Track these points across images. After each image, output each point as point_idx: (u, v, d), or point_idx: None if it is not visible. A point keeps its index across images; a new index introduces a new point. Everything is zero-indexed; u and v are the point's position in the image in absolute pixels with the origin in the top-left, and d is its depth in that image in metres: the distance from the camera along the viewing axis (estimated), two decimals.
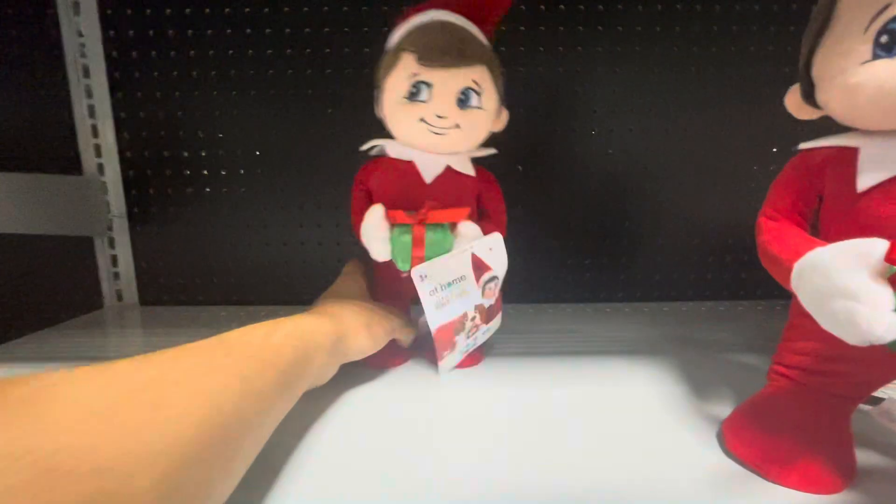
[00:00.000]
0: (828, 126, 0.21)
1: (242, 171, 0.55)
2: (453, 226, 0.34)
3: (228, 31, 0.53)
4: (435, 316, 0.32)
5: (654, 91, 0.54)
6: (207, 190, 0.56)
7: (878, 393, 0.24)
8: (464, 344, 0.35)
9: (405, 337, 0.37)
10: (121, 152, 0.55)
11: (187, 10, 0.52)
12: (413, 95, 0.32)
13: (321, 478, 0.23)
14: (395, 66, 0.32)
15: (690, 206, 0.56)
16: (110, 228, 0.57)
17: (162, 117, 0.55)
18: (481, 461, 0.24)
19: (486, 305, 0.35)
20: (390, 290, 0.38)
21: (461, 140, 0.34)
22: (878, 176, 0.19)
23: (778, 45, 0.52)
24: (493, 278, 0.35)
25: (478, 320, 0.35)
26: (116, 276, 0.58)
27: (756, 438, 0.23)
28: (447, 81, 0.32)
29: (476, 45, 0.32)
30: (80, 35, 0.53)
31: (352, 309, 0.32)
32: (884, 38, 0.17)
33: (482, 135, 0.35)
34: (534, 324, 0.49)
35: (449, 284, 0.32)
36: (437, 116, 0.32)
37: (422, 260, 0.33)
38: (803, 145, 0.22)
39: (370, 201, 0.36)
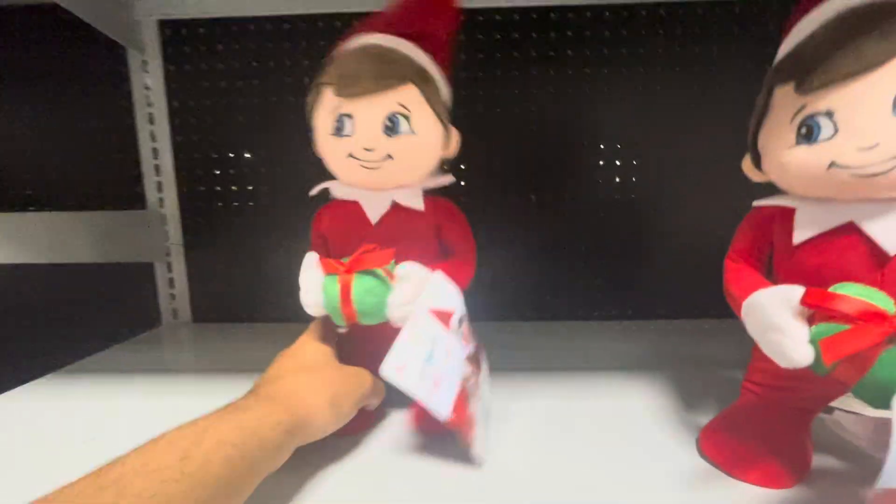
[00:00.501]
0: None
1: (286, 202, 0.62)
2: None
3: (273, 82, 0.60)
4: (440, 404, 0.26)
5: (658, 120, 0.58)
6: (254, 219, 0.63)
7: (834, 403, 0.28)
8: (479, 411, 0.30)
9: (375, 401, 0.31)
10: (179, 188, 0.63)
11: (236, 65, 0.60)
12: (338, 130, 0.30)
13: None
14: (319, 101, 0.31)
15: (692, 229, 0.60)
16: (168, 254, 0.64)
17: (214, 157, 0.62)
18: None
19: (469, 352, 0.30)
20: (359, 350, 0.32)
21: (398, 172, 0.31)
22: (809, 232, 0.24)
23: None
24: (462, 318, 0.31)
25: (470, 372, 0.30)
26: (173, 296, 0.65)
27: (725, 443, 0.28)
28: (368, 110, 0.29)
29: (400, 65, 0.30)
30: (147, 88, 0.61)
31: (312, 384, 0.27)
32: (803, 130, 0.22)
33: (425, 162, 0.32)
34: (542, 340, 0.54)
35: (428, 357, 0.26)
36: (364, 150, 0.29)
37: (352, 316, 0.29)
38: (756, 203, 0.27)
39: (325, 248, 0.34)
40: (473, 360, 0.31)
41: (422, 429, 0.31)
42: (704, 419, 0.33)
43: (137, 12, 0.58)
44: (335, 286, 0.29)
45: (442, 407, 0.26)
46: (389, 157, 0.30)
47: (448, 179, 0.34)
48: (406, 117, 0.30)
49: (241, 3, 0.58)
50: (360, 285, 0.29)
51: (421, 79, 0.30)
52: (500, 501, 0.25)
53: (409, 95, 0.30)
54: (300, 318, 0.65)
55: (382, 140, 0.30)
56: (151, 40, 0.59)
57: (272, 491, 0.25)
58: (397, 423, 0.34)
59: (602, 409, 0.36)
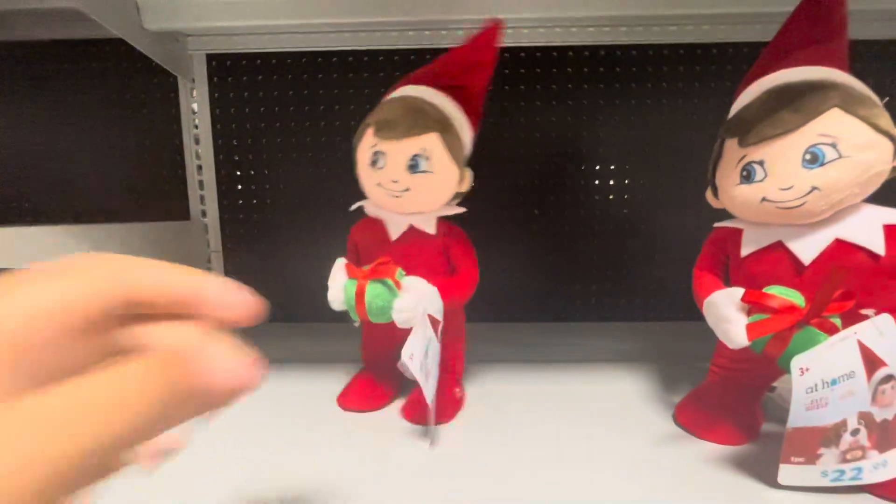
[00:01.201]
0: None
1: (315, 216, 0.70)
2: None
3: (306, 109, 0.68)
4: (429, 390, 0.32)
5: (650, 144, 0.67)
6: (286, 230, 0.71)
7: (775, 384, 0.36)
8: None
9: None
10: (220, 201, 0.70)
11: (274, 93, 0.68)
12: (373, 163, 0.37)
13: None
14: (362, 138, 0.38)
15: (686, 239, 0.68)
16: (209, 261, 0.71)
17: (253, 174, 0.70)
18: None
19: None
20: (377, 346, 0.42)
21: (415, 202, 0.37)
22: (752, 248, 0.31)
23: None
24: (441, 328, 0.35)
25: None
26: None
27: (694, 412, 0.36)
28: (397, 150, 0.35)
29: (426, 117, 0.36)
30: (194, 112, 0.68)
31: None
32: (744, 173, 0.30)
33: (438, 196, 0.38)
34: (543, 338, 0.62)
35: (425, 355, 0.32)
36: (391, 181, 0.36)
37: (363, 314, 0.35)
38: (716, 224, 0.35)
39: (356, 254, 0.41)
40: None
41: (411, 420, 0.38)
42: (679, 398, 0.41)
43: (189, 46, 0.66)
44: (353, 289, 0.35)
45: (429, 393, 0.33)
46: (408, 189, 0.36)
47: (459, 210, 0.40)
48: (427, 159, 0.36)
49: (280, 40, 0.65)
50: (372, 290, 0.35)
51: (443, 128, 0.36)
52: (517, 456, 0.33)
53: (430, 142, 0.36)
54: (328, 319, 0.72)
55: (405, 175, 0.36)
56: (200, 71, 0.67)
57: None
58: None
59: (595, 392, 0.43)
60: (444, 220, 0.40)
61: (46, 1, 0.47)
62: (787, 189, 0.28)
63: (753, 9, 0.55)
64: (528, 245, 0.69)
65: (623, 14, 0.57)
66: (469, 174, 0.40)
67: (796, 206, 0.28)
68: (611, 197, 0.68)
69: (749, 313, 0.29)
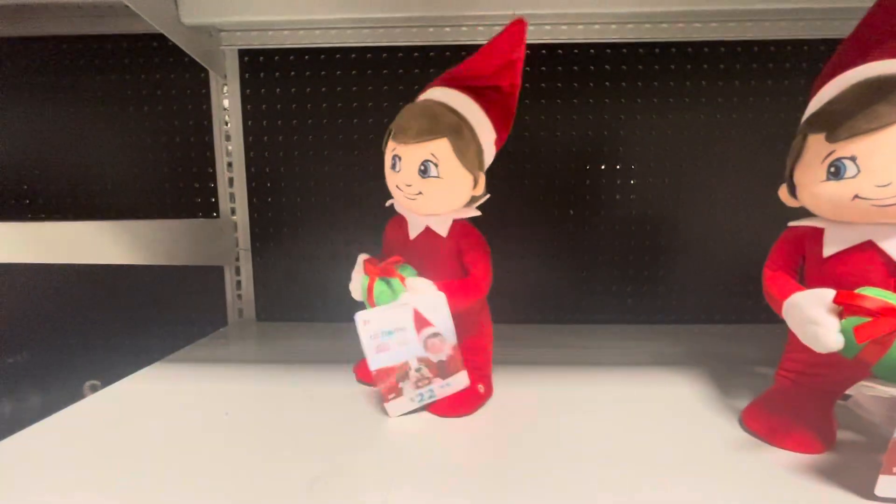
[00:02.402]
0: None
1: (344, 215, 0.69)
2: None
3: (338, 106, 0.67)
4: (374, 359, 0.36)
5: (682, 140, 0.65)
6: (315, 229, 0.69)
7: (848, 391, 0.34)
8: (413, 393, 0.38)
9: None
10: (249, 199, 0.69)
11: (306, 90, 0.67)
12: (393, 166, 0.38)
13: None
14: (386, 142, 0.39)
15: (719, 240, 0.67)
16: (237, 259, 0.71)
17: (283, 171, 0.69)
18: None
19: (435, 360, 0.37)
20: None
21: (427, 204, 0.38)
22: (836, 248, 0.30)
23: (790, 102, 0.64)
24: (436, 334, 0.37)
25: (425, 372, 0.37)
26: (239, 297, 0.71)
27: (765, 418, 0.34)
28: (410, 155, 0.37)
29: (437, 122, 0.36)
30: (225, 109, 0.67)
31: None
32: (832, 169, 0.29)
33: (448, 200, 0.38)
34: (582, 340, 0.60)
35: (389, 332, 0.36)
36: (406, 185, 0.37)
37: (373, 306, 0.38)
38: (791, 223, 0.33)
39: (388, 248, 0.43)
40: (436, 367, 0.38)
41: (360, 378, 0.43)
42: (740, 403, 0.39)
43: (223, 42, 0.65)
44: (365, 283, 0.39)
45: (373, 363, 0.36)
46: (421, 193, 0.37)
47: (473, 212, 0.41)
48: (435, 164, 0.36)
49: (313, 36, 0.65)
50: (378, 287, 0.38)
51: (454, 134, 0.36)
52: (570, 467, 0.31)
53: (441, 147, 0.36)
54: (347, 319, 0.71)
55: (417, 180, 0.37)
56: (232, 66, 0.66)
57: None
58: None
59: (649, 396, 0.42)
60: (460, 223, 0.40)
61: None
62: (885, 186, 0.27)
63: (791, 5, 0.55)
64: (562, 246, 0.68)
65: (647, 10, 0.57)
66: (482, 178, 0.39)
67: (894, 204, 0.27)
68: (647, 197, 0.67)
69: (840, 316, 0.28)
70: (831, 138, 0.28)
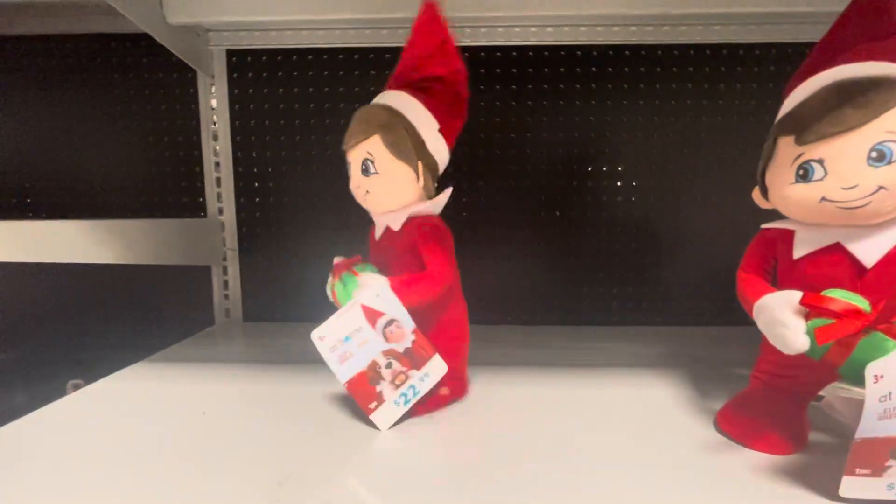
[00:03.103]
0: None
1: (330, 215, 0.69)
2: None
3: (325, 106, 0.67)
4: (341, 372, 0.35)
5: (679, 142, 0.66)
6: (302, 229, 0.70)
7: (821, 392, 0.34)
8: (395, 395, 0.36)
9: None
10: (237, 199, 0.69)
11: (293, 90, 0.67)
12: (348, 170, 0.40)
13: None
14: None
15: (705, 242, 0.67)
16: (225, 259, 0.71)
17: (270, 172, 0.69)
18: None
19: (402, 350, 0.37)
20: None
21: (376, 201, 0.39)
22: (806, 250, 0.30)
23: (775, 104, 0.64)
24: (391, 321, 0.36)
25: (397, 366, 0.36)
26: (226, 297, 0.71)
27: (738, 420, 0.34)
28: (354, 158, 0.39)
29: (368, 123, 0.37)
30: (213, 108, 0.68)
31: None
32: (801, 172, 0.29)
33: (392, 195, 0.39)
34: (566, 341, 0.60)
35: (346, 338, 0.36)
36: (356, 187, 0.39)
37: (337, 303, 0.39)
38: (764, 225, 0.34)
39: (370, 252, 0.44)
40: (405, 357, 0.37)
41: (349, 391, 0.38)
42: (716, 404, 0.39)
43: (210, 42, 0.65)
44: (330, 286, 0.40)
45: (341, 376, 0.36)
46: (368, 192, 0.39)
47: (430, 207, 0.40)
48: (372, 161, 0.38)
49: (300, 36, 0.65)
50: (338, 287, 0.39)
51: (384, 129, 0.37)
52: (546, 469, 0.32)
53: (374, 144, 0.37)
54: None
55: (363, 180, 0.39)
56: (220, 66, 0.66)
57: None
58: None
59: (624, 397, 0.42)
60: (419, 218, 0.40)
61: None
62: (851, 188, 0.27)
63: (775, 9, 0.55)
64: (549, 247, 0.68)
65: (642, 13, 0.57)
66: (423, 169, 0.39)
67: (860, 207, 0.27)
68: (633, 199, 0.67)
69: (807, 318, 0.28)
70: (800, 141, 0.29)
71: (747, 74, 0.64)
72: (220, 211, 0.70)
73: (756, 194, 0.34)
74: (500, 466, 0.31)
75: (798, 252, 0.31)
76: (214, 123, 0.68)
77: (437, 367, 0.38)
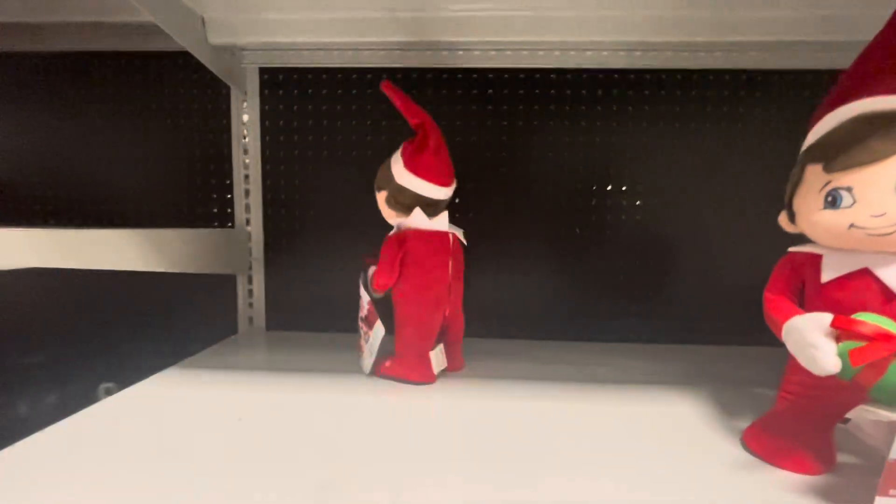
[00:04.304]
0: None
1: (355, 228, 0.71)
2: None
3: (353, 122, 0.69)
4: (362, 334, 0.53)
5: (696, 162, 0.67)
6: (326, 241, 0.71)
7: (848, 415, 0.35)
8: (367, 347, 0.52)
9: None
10: (264, 210, 0.72)
11: (323, 107, 0.70)
12: None
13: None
14: None
15: (721, 262, 0.68)
16: (250, 268, 0.72)
17: (297, 185, 0.71)
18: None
19: (363, 315, 0.52)
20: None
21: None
22: (833, 274, 0.31)
23: (790, 129, 0.65)
24: (360, 297, 0.52)
25: (364, 328, 0.52)
26: (250, 305, 0.73)
27: (766, 439, 0.35)
28: None
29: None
30: (244, 123, 0.70)
31: None
32: (829, 199, 0.30)
33: (382, 212, 0.52)
34: (582, 357, 0.61)
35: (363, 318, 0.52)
36: None
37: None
38: (791, 249, 0.35)
39: None
40: (366, 323, 0.52)
41: (381, 374, 0.52)
42: (741, 423, 0.40)
43: (244, 60, 0.68)
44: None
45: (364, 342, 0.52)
46: None
47: (405, 221, 0.49)
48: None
49: (332, 56, 0.67)
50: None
51: (380, 170, 0.52)
52: (567, 486, 0.32)
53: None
54: (355, 330, 0.71)
55: None
56: (252, 83, 0.69)
57: None
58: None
59: (650, 414, 0.43)
60: (398, 230, 0.50)
61: (124, 15, 0.49)
62: (880, 216, 0.28)
63: (782, 38, 0.56)
64: (567, 263, 0.69)
65: (657, 40, 0.59)
66: (387, 195, 0.50)
67: (889, 234, 0.28)
68: (649, 218, 0.68)
69: (837, 340, 0.28)
70: (828, 169, 0.30)
71: (765, 99, 0.66)
72: (248, 221, 0.72)
73: (783, 219, 0.35)
74: (519, 485, 0.32)
75: (826, 276, 0.32)
76: (245, 138, 0.70)
77: (377, 331, 0.50)
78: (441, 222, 0.49)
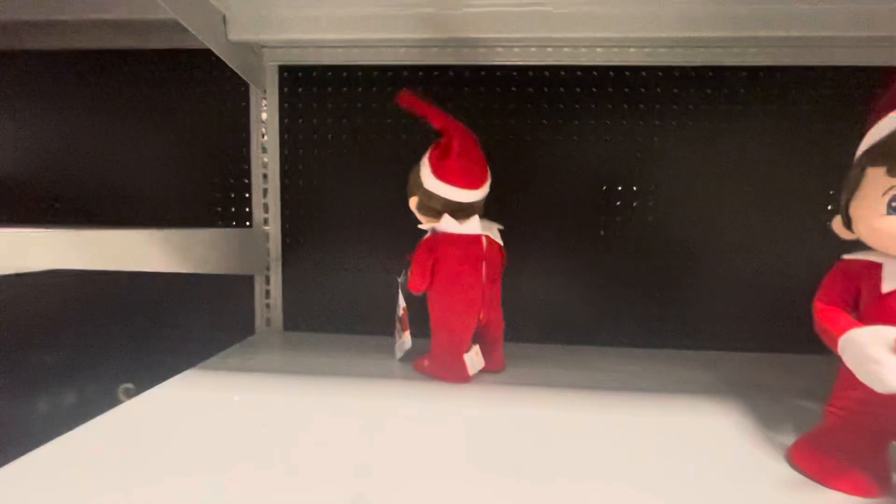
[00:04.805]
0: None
1: (374, 228, 0.70)
2: None
3: (374, 122, 0.68)
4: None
5: (724, 164, 0.65)
6: (344, 241, 0.70)
7: None
8: (399, 342, 0.56)
9: None
10: (283, 209, 0.71)
11: (343, 105, 0.69)
12: None
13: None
14: None
15: (750, 265, 0.65)
16: (268, 268, 0.72)
17: (316, 184, 0.70)
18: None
19: (398, 316, 0.56)
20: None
21: None
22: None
23: (815, 126, 0.63)
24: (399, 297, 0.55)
25: (399, 326, 0.56)
26: (268, 306, 0.72)
27: (816, 457, 0.33)
28: None
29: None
30: (263, 122, 0.69)
31: None
32: (893, 203, 0.28)
33: (419, 218, 0.51)
34: (605, 363, 0.59)
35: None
36: None
37: None
38: (846, 256, 0.33)
39: None
40: (400, 323, 0.56)
41: (415, 368, 0.54)
42: (785, 437, 0.38)
43: (264, 58, 0.67)
44: None
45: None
46: None
47: (438, 225, 0.49)
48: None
49: (353, 54, 0.66)
50: None
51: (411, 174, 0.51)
52: (612, 488, 0.31)
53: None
54: (383, 332, 0.70)
55: None
56: (272, 81, 0.68)
57: None
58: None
59: (688, 425, 0.41)
60: (431, 235, 0.50)
61: (147, 12, 0.49)
62: None
63: (816, 32, 0.54)
64: (592, 266, 0.68)
65: (684, 35, 0.57)
66: (417, 201, 0.49)
67: None
68: (678, 221, 0.66)
69: None
70: (893, 172, 0.28)
71: (789, 97, 0.63)
72: (266, 221, 0.71)
73: (837, 225, 0.33)
74: (550, 492, 0.30)
75: (887, 286, 0.30)
76: (264, 136, 0.70)
77: (405, 343, 0.55)
78: (471, 226, 0.48)
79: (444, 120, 0.47)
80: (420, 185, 0.48)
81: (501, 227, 0.52)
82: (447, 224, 0.48)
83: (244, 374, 0.52)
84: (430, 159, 0.48)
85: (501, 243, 0.51)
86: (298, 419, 0.41)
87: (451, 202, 0.47)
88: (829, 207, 0.63)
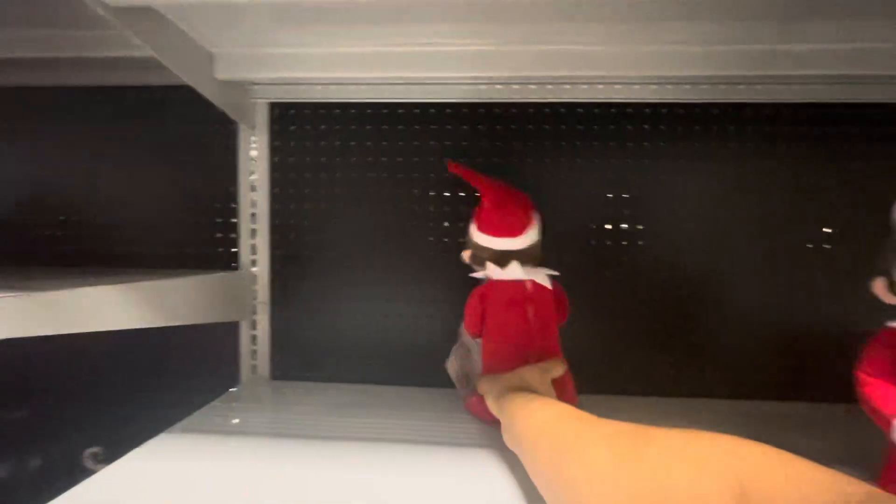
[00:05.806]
0: None
1: (368, 274, 0.66)
2: None
3: (366, 160, 0.66)
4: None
5: (722, 202, 0.62)
6: (336, 285, 0.67)
7: None
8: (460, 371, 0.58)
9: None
10: (271, 251, 0.67)
11: (335, 143, 0.66)
12: None
13: None
14: None
15: (765, 309, 0.62)
16: (254, 312, 0.67)
17: (307, 224, 0.67)
18: None
19: (462, 353, 0.58)
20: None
21: None
22: None
23: (821, 163, 0.61)
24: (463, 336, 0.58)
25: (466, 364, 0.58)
26: (254, 353, 0.68)
27: None
28: None
29: None
30: (252, 160, 0.66)
31: None
32: None
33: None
34: (650, 415, 0.55)
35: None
36: None
37: None
38: (891, 324, 0.30)
39: None
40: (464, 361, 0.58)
41: (473, 413, 0.54)
42: None
43: (254, 95, 0.64)
44: None
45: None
46: None
47: (483, 276, 0.54)
48: None
49: (345, 91, 0.64)
50: None
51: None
52: None
53: None
54: (374, 381, 0.66)
55: None
56: (261, 118, 0.66)
57: None
58: None
59: None
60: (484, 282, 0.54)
61: (133, 50, 0.46)
62: None
63: (811, 71, 0.53)
64: (609, 314, 0.64)
65: (689, 74, 0.55)
66: (465, 253, 0.54)
67: None
68: (696, 261, 0.63)
69: None
70: None
71: (791, 134, 0.61)
72: (254, 263, 0.67)
73: (879, 287, 0.30)
74: None
75: None
76: (253, 174, 0.67)
77: (462, 390, 0.57)
78: (512, 272, 0.50)
79: (478, 180, 0.52)
80: (470, 238, 0.53)
81: (554, 273, 0.53)
82: (491, 270, 0.51)
83: (226, 439, 0.47)
84: (473, 214, 0.54)
85: (550, 287, 0.52)
86: (290, 498, 0.37)
87: (492, 251, 0.51)
88: (826, 244, 0.60)
